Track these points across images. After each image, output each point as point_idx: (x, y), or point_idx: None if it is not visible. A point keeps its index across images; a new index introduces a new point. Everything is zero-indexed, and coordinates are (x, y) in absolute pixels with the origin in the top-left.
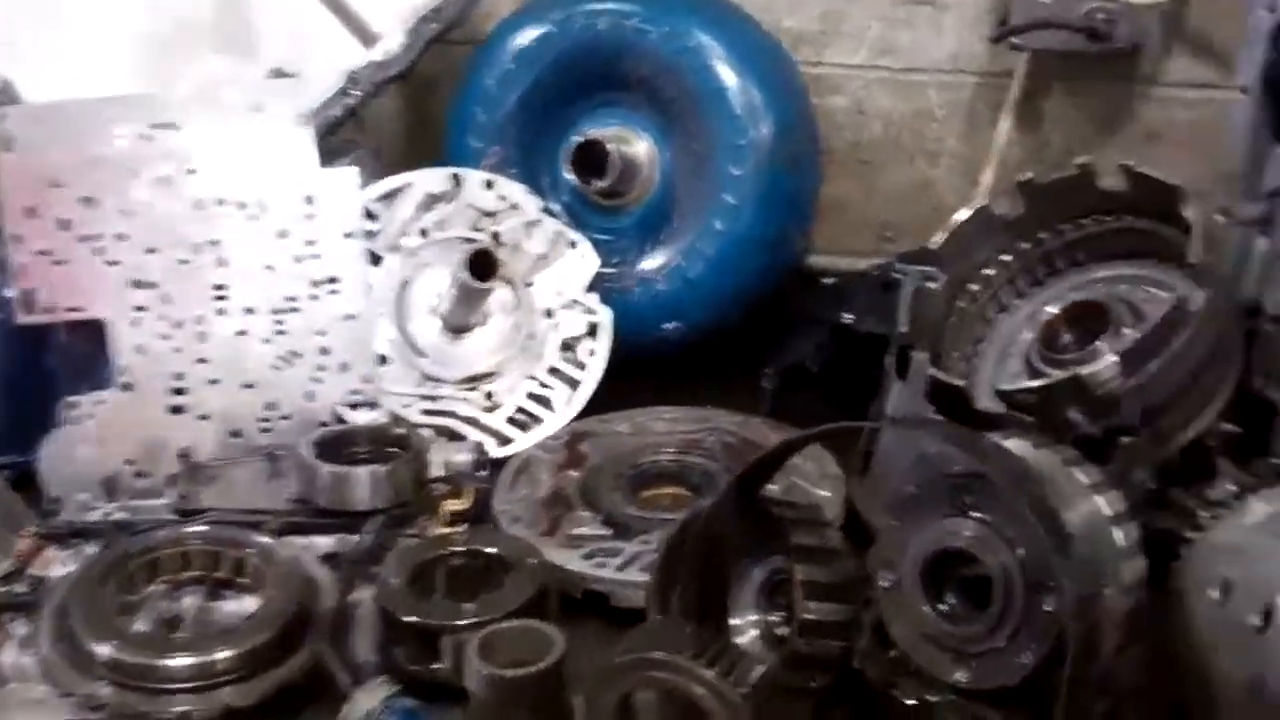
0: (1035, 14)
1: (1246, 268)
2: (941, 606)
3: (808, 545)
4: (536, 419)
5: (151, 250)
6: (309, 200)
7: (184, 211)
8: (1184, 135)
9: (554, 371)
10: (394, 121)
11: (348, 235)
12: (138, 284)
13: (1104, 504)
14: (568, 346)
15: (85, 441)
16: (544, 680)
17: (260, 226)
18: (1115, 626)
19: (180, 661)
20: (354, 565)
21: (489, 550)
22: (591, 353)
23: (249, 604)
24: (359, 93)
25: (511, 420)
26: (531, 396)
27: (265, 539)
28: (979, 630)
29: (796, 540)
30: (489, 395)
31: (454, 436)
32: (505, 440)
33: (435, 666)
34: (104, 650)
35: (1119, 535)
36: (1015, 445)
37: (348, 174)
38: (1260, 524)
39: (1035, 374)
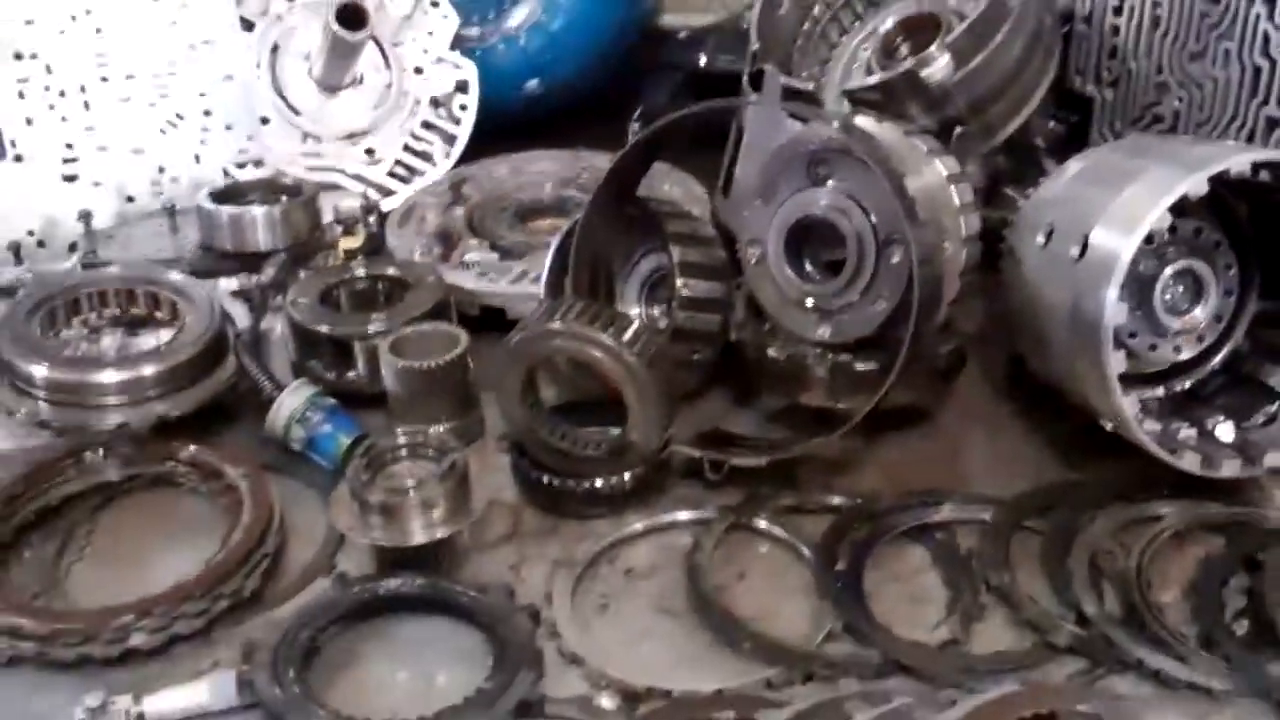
0: None
1: None
2: (804, 271)
3: (682, 232)
4: (416, 171)
5: (29, 22)
6: None
7: None
8: None
9: (428, 126)
10: None
11: None
12: (17, 56)
13: (941, 166)
14: (438, 103)
15: None
16: (454, 368)
17: None
18: (955, 276)
19: (112, 377)
20: (263, 293)
21: (389, 272)
22: (463, 107)
23: (167, 336)
24: None
25: (391, 174)
26: (409, 150)
27: (177, 276)
28: (837, 287)
29: (672, 229)
30: (369, 151)
31: None
32: (387, 192)
33: (350, 375)
34: (39, 370)
35: (955, 193)
36: (863, 121)
37: None
38: (1076, 175)
39: None
